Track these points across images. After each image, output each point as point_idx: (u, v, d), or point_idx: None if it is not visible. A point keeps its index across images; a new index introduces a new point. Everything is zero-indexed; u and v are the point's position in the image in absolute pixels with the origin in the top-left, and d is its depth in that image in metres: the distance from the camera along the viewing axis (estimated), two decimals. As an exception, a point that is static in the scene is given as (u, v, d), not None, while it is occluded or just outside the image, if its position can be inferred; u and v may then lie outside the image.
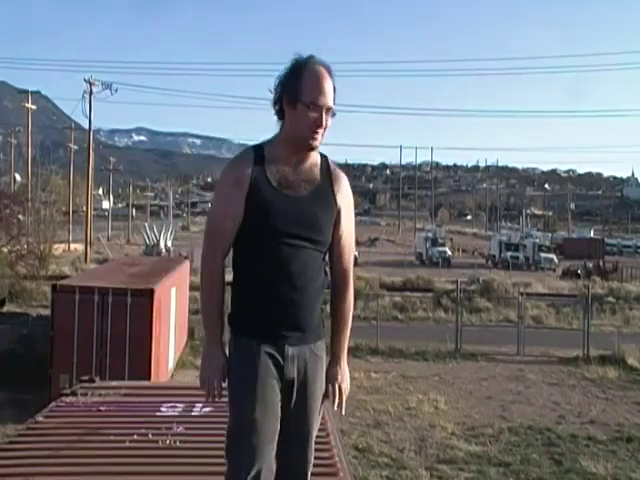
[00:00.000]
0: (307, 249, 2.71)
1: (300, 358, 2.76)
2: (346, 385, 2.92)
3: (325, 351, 2.89)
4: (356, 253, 47.67)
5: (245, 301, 2.77)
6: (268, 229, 2.67)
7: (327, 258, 2.86)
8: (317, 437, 3.75)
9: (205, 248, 2.78)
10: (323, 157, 2.83)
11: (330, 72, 2.67)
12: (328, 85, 2.64)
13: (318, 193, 2.73)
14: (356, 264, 41.85)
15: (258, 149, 2.75)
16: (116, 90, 41.85)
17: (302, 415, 2.81)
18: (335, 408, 2.91)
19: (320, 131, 2.68)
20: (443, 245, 50.92)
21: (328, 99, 2.64)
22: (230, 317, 2.80)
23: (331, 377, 2.88)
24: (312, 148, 2.72)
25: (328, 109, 2.65)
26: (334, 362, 2.92)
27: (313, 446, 2.90)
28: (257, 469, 2.67)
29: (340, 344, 2.93)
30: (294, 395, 2.77)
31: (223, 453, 2.86)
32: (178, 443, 3.79)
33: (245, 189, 2.67)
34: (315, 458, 3.40)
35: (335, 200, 2.78)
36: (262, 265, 2.71)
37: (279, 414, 2.74)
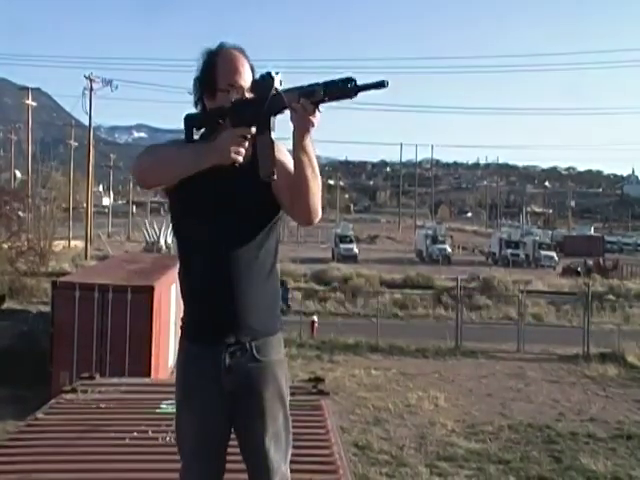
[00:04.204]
0: (234, 227, 2.40)
1: (240, 369, 2.41)
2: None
3: (281, 351, 2.52)
4: (356, 250, 47.81)
5: (183, 297, 2.54)
6: (187, 207, 2.45)
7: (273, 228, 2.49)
8: (317, 434, 3.76)
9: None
10: None
11: (244, 53, 2.47)
12: (244, 66, 2.44)
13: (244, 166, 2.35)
14: (356, 261, 42.15)
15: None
16: (116, 87, 41.74)
17: (251, 434, 2.47)
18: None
19: None
20: (443, 242, 50.83)
21: (246, 79, 2.42)
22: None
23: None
24: None
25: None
26: None
27: (279, 471, 2.50)
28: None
29: None
30: (238, 410, 2.46)
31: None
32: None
33: None
34: (315, 455, 3.40)
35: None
36: (186, 252, 2.50)
37: (215, 429, 2.47)
